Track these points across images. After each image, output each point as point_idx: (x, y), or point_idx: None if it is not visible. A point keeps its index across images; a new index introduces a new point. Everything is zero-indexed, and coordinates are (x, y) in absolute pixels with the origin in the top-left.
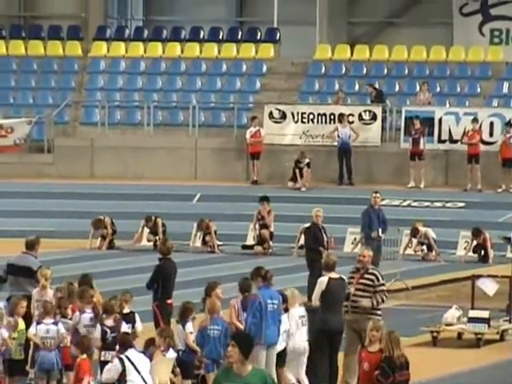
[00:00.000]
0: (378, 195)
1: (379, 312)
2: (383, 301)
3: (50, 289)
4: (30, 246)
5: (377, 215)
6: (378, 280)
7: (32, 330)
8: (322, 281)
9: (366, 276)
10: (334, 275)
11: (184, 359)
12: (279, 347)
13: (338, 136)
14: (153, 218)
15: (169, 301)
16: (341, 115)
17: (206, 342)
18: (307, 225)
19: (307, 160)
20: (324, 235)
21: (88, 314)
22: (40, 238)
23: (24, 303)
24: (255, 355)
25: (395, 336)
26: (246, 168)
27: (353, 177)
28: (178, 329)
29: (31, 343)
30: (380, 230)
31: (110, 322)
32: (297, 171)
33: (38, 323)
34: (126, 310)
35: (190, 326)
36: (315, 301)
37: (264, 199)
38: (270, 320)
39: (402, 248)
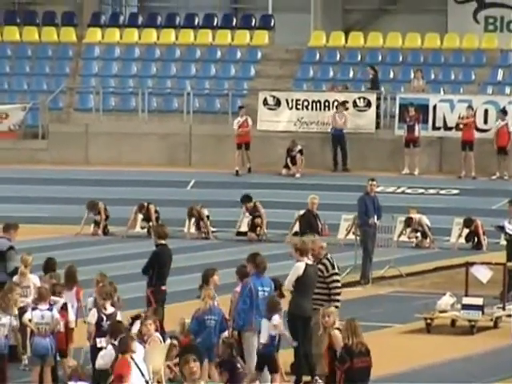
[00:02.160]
0: (374, 183)
1: (335, 301)
2: (335, 289)
3: (31, 274)
4: (5, 230)
5: (372, 202)
6: (328, 270)
7: (27, 315)
8: (299, 266)
9: (318, 266)
10: (309, 261)
11: (263, 352)
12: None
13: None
14: (145, 204)
15: (163, 287)
16: (341, 103)
17: (201, 330)
18: (302, 212)
19: (299, 147)
20: (318, 222)
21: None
22: (29, 222)
23: (18, 290)
24: (246, 342)
25: (354, 324)
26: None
27: (348, 163)
28: (264, 323)
29: (27, 329)
30: (375, 217)
31: (108, 309)
32: (288, 160)
33: (34, 309)
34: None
35: (276, 318)
36: (288, 285)
37: (244, 201)
38: (261, 307)
39: (396, 235)
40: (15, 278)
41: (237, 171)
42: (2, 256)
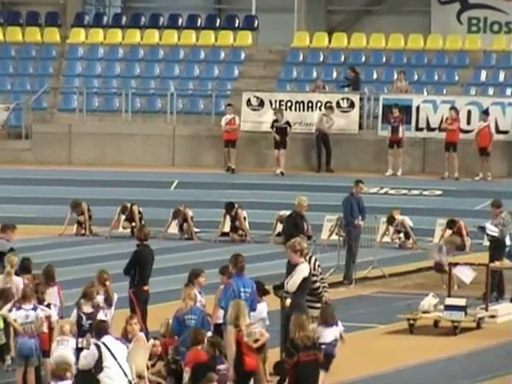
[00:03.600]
0: (362, 185)
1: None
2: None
3: (14, 276)
4: (3, 231)
5: (357, 203)
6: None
7: (12, 315)
8: (304, 268)
9: None
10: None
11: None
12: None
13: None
14: (128, 205)
15: (145, 287)
16: (329, 107)
17: (182, 330)
18: (283, 212)
19: (285, 119)
20: (305, 223)
21: (102, 296)
22: (15, 223)
23: None
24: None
25: (300, 318)
26: (224, 155)
27: (331, 163)
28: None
29: (11, 329)
30: (360, 218)
31: (87, 308)
32: (275, 134)
33: (18, 309)
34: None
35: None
36: (292, 286)
37: (228, 208)
38: None
39: (379, 236)
40: (1, 279)
41: (229, 167)
42: (2, 257)
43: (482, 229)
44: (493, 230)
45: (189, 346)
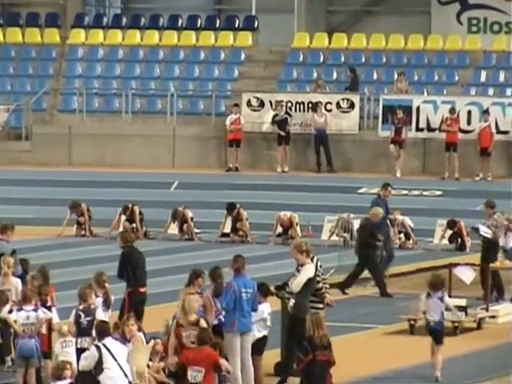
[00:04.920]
0: (390, 189)
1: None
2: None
3: (12, 277)
4: (2, 232)
5: (384, 205)
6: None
7: (12, 316)
8: (310, 268)
9: None
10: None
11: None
12: (257, 335)
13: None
14: (130, 206)
15: (142, 289)
16: (316, 104)
17: None
18: (283, 213)
19: (284, 111)
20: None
21: (101, 298)
22: (14, 224)
23: None
24: (229, 343)
25: (317, 317)
26: (224, 156)
27: (333, 164)
28: (433, 301)
29: (11, 330)
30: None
31: (82, 306)
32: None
33: (19, 310)
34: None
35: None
36: (297, 287)
37: (230, 209)
38: (245, 308)
39: None
40: None
41: (229, 167)
42: None
43: (476, 230)
44: (486, 231)
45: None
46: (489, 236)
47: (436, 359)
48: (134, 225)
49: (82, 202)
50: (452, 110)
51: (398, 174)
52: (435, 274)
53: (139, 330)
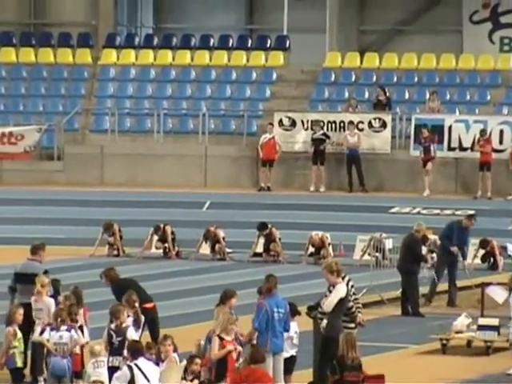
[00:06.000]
0: (474, 221)
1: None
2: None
3: (47, 296)
4: (34, 252)
5: (461, 233)
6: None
7: (45, 335)
8: (341, 288)
9: None
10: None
11: None
12: (285, 354)
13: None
14: (161, 226)
15: (147, 305)
16: (349, 123)
17: None
18: (315, 233)
19: (321, 132)
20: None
21: (131, 318)
22: (46, 244)
23: (21, 311)
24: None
25: (351, 338)
26: (255, 175)
27: (365, 183)
28: None
29: (44, 350)
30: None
31: (113, 325)
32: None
33: (52, 329)
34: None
35: None
36: (329, 307)
37: (261, 229)
38: (277, 328)
39: None
40: (32, 299)
41: (261, 187)
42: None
43: (504, 249)
44: None
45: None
46: None
47: None
48: (167, 244)
49: (114, 223)
50: (483, 132)
51: (426, 193)
52: None
53: (175, 350)
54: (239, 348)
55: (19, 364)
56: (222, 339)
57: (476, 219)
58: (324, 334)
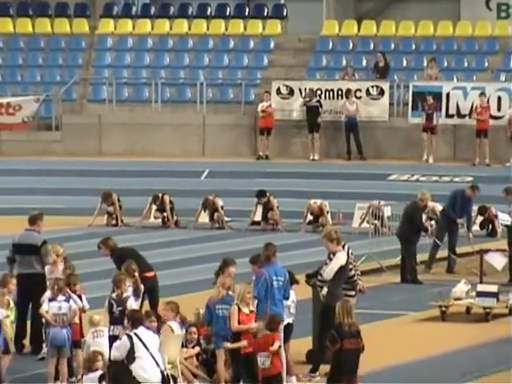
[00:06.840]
0: (477, 192)
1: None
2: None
3: (61, 265)
4: (32, 222)
5: (463, 203)
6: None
7: (44, 306)
8: (342, 256)
9: None
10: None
11: None
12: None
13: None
14: (160, 195)
15: (148, 274)
16: (348, 91)
17: (213, 320)
18: (313, 201)
19: (315, 99)
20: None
21: (131, 287)
22: (44, 214)
23: (14, 281)
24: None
25: (347, 305)
26: (254, 144)
27: (363, 151)
28: None
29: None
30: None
31: (114, 294)
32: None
33: (51, 300)
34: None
35: None
36: (329, 275)
37: (259, 196)
38: (277, 296)
39: None
40: (47, 269)
41: (259, 155)
42: (36, 249)
43: (496, 217)
44: (504, 218)
45: (222, 335)
46: (508, 223)
47: None
48: (165, 214)
49: (112, 192)
50: (482, 95)
51: (431, 161)
52: None
53: (181, 320)
54: (254, 325)
55: (9, 334)
56: (240, 310)
57: (479, 190)
58: (324, 303)
